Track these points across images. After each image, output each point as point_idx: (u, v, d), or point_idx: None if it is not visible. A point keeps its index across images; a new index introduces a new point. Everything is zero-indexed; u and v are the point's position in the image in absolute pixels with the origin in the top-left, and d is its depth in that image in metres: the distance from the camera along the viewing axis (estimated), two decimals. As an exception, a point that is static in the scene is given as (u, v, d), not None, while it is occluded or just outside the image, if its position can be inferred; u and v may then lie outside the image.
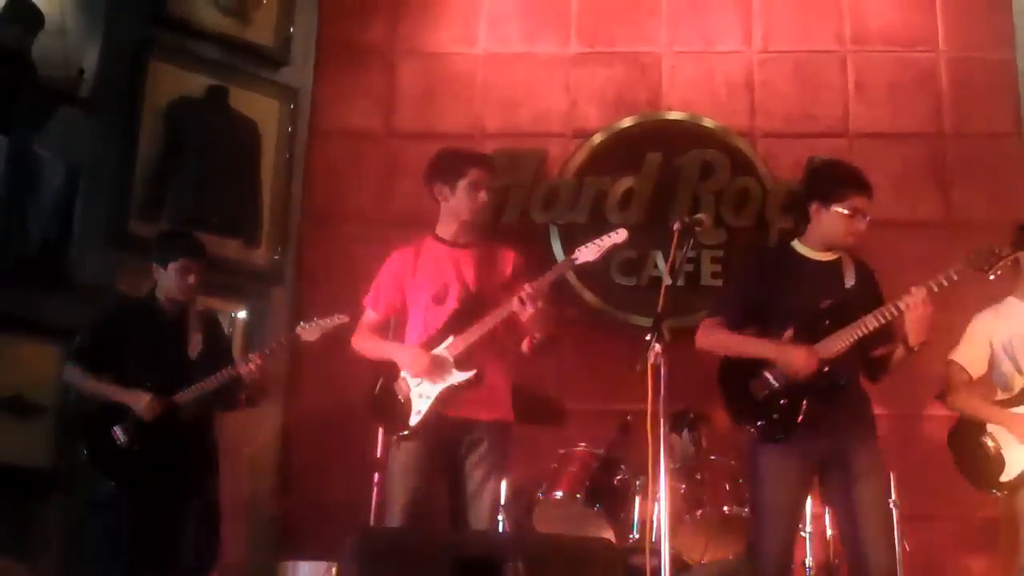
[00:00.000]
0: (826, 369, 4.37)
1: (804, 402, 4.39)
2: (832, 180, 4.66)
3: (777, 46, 7.47)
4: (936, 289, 4.31)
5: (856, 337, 4.40)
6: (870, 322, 4.38)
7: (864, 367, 4.61)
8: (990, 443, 4.83)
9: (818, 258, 4.63)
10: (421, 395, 4.70)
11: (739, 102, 7.37)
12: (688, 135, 7.22)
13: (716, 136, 7.20)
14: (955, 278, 4.32)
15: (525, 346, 4.88)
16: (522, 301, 4.55)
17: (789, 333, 4.48)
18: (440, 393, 4.68)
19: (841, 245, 4.61)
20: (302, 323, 5.24)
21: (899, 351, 4.47)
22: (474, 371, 4.69)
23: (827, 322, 4.45)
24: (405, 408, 4.72)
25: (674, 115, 7.32)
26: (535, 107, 7.43)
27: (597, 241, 4.69)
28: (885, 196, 6.82)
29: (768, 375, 4.47)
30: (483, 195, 4.87)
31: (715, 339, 4.64)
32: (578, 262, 4.71)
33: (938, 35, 7.42)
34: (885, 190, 6.84)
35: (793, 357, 4.38)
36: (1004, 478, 4.79)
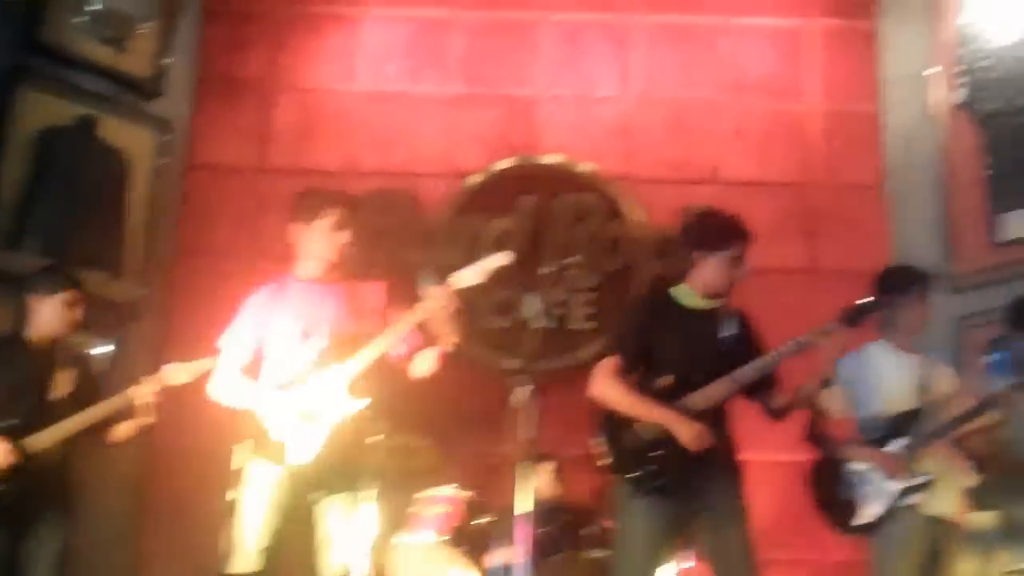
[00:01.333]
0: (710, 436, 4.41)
1: (678, 456, 4.40)
2: (714, 228, 4.75)
3: (654, 93, 7.58)
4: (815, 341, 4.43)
5: (733, 388, 4.47)
6: (748, 373, 4.46)
7: (768, 412, 4.67)
8: (850, 484, 4.89)
9: (698, 306, 4.68)
10: (311, 429, 4.59)
11: (615, 147, 7.46)
12: (564, 179, 7.28)
13: (591, 180, 7.27)
14: (831, 332, 4.45)
15: (426, 364, 4.77)
16: (442, 295, 4.52)
17: (668, 381, 4.51)
18: (333, 426, 4.58)
19: (722, 292, 4.67)
20: (168, 365, 5.09)
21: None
22: (369, 399, 4.61)
23: (704, 372, 4.49)
24: (288, 442, 4.61)
25: (550, 159, 7.37)
26: (412, 146, 7.43)
27: (478, 264, 4.63)
28: (754, 243, 6.97)
29: (638, 428, 4.47)
30: (343, 235, 4.80)
31: (611, 394, 4.56)
32: (459, 286, 4.63)
33: (810, 88, 7.61)
34: (754, 238, 6.99)
35: (685, 431, 4.38)
36: (863, 520, 4.85)
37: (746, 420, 4.68)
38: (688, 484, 4.43)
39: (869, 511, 4.81)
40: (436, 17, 7.70)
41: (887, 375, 5.03)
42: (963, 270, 6.87)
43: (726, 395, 4.48)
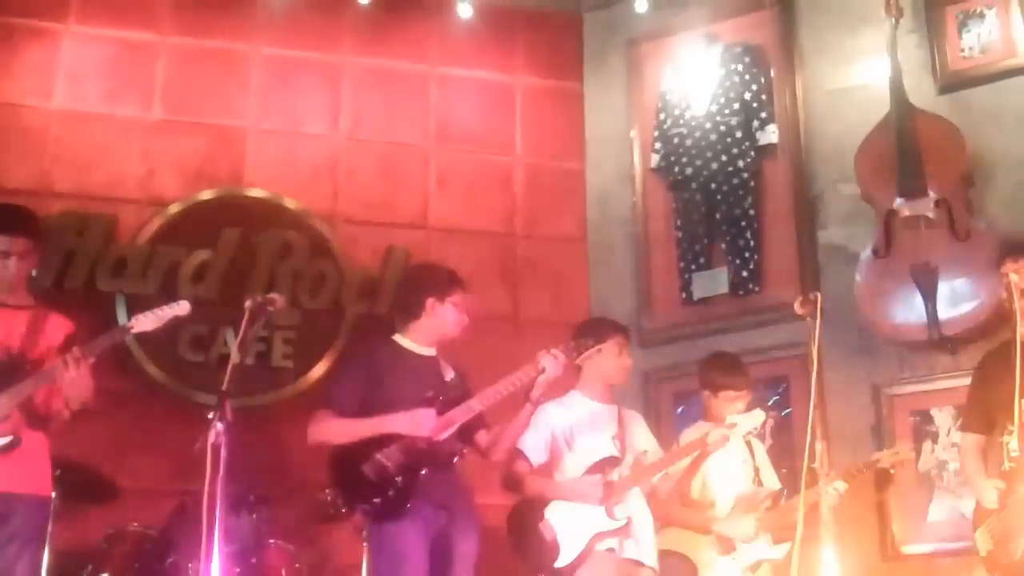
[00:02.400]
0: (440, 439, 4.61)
1: (416, 477, 4.55)
2: (445, 276, 5.04)
3: (363, 135, 7.58)
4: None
5: (466, 418, 4.66)
6: (476, 403, 4.67)
7: (484, 450, 4.91)
8: (547, 527, 4.96)
9: (421, 352, 4.91)
10: None
11: (322, 186, 7.40)
12: (269, 214, 7.14)
13: (297, 217, 7.17)
14: (565, 357, 4.71)
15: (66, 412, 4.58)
16: (66, 363, 4.33)
17: None
18: None
19: (451, 336, 4.95)
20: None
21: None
22: (11, 436, 4.37)
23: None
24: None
25: (256, 192, 7.21)
26: (110, 170, 7.08)
27: (157, 311, 4.54)
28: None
29: (380, 456, 4.56)
30: (11, 263, 4.57)
31: (330, 430, 4.72)
32: (134, 330, 4.53)
33: (516, 142, 7.81)
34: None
35: (405, 421, 4.58)
36: (560, 563, 4.93)
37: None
38: (430, 508, 4.60)
39: (566, 554, 4.90)
40: (141, 40, 7.38)
41: (585, 423, 5.17)
42: (654, 326, 7.18)
43: (458, 424, 4.67)
